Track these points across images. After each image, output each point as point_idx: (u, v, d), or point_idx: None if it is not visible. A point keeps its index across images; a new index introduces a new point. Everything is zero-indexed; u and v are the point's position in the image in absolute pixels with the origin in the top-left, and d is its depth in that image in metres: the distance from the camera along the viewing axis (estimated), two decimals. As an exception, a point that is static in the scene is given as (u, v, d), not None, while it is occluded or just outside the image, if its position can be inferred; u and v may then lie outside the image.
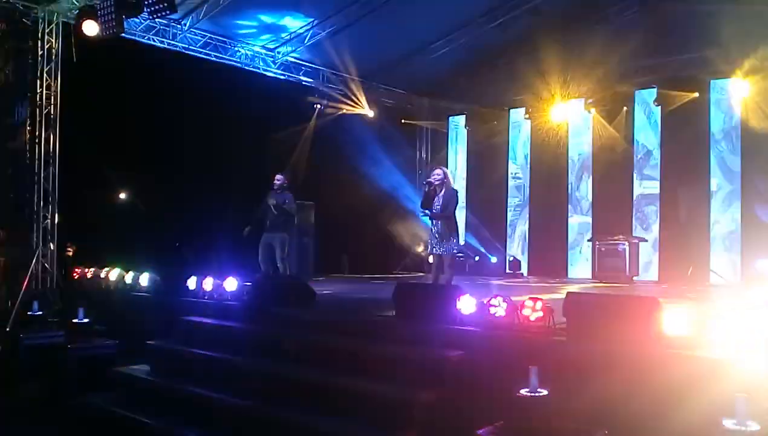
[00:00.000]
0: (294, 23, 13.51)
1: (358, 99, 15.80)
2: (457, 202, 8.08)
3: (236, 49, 13.60)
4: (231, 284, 8.87)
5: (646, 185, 14.68)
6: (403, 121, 17.27)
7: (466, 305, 6.28)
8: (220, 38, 13.23)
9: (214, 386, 6.77)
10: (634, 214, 14.64)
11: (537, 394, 4.58)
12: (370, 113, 16.05)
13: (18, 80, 11.22)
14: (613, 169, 14.94)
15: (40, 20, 11.17)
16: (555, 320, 5.85)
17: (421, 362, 5.87)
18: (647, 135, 14.76)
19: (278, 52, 14.24)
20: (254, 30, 13.43)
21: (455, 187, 8.38)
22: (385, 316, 7.12)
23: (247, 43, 13.75)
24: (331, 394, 5.90)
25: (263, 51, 14.06)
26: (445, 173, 8.18)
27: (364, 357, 6.27)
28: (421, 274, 15.34)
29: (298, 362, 6.76)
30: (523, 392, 4.61)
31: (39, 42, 11.15)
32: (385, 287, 9.58)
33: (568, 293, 5.87)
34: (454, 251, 8.00)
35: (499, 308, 6.18)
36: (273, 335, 7.46)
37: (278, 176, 10.11)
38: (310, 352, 6.80)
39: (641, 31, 12.97)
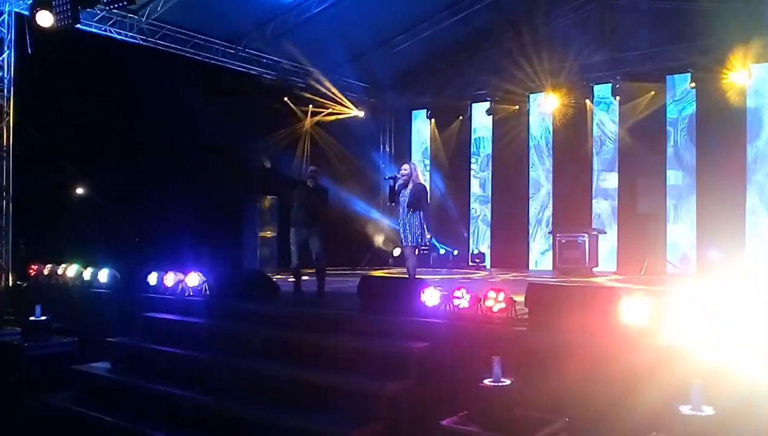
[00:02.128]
0: (254, 15, 13.33)
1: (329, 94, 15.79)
2: (426, 197, 8.24)
3: (195, 41, 13.37)
4: (193, 279, 8.77)
5: (604, 178, 14.99)
6: (362, 115, 17.24)
7: (430, 297, 6.34)
8: (177, 30, 12.97)
9: (177, 382, 6.70)
10: (593, 206, 14.95)
11: (500, 383, 4.66)
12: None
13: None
14: (573, 162, 15.20)
15: (-8, 10, 10.82)
16: (517, 311, 5.95)
17: (386, 353, 5.91)
18: (606, 128, 15.04)
19: (238, 45, 14.05)
20: (213, 21, 13.21)
21: (423, 183, 8.51)
22: (350, 309, 7.13)
23: (206, 36, 13.52)
24: (296, 388, 5.90)
25: (223, 43, 13.86)
26: (412, 169, 8.32)
27: (329, 350, 6.28)
28: (384, 268, 15.37)
29: (263, 356, 6.74)
30: (487, 381, 4.68)
31: (-9, 33, 10.81)
32: (348, 281, 9.60)
33: (530, 284, 5.96)
34: (420, 243, 8.15)
35: (462, 300, 6.26)
36: (236, 331, 7.41)
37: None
38: (274, 346, 6.78)
39: (598, 26, 13.22)
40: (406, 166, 8.34)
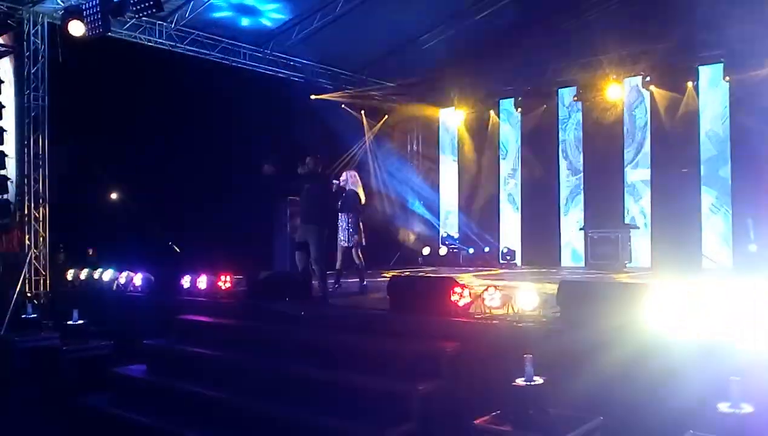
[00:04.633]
0: (280, 18, 13.43)
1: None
2: (359, 201, 9.06)
3: (223, 45, 13.53)
4: (225, 281, 8.87)
5: (638, 173, 14.76)
6: (387, 117, 17.28)
7: (461, 296, 6.31)
8: (206, 35, 13.15)
9: (211, 383, 6.78)
10: (625, 201, 14.72)
11: (533, 382, 4.61)
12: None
13: (4, 83, 11.12)
14: (604, 157, 14.99)
15: (25, 21, 11.06)
16: (549, 309, 5.89)
17: (417, 353, 5.90)
18: (637, 122, 14.81)
19: (265, 49, 14.17)
20: (241, 26, 13.36)
21: (355, 189, 9.23)
22: (380, 309, 7.13)
23: (233, 41, 13.67)
24: (328, 389, 5.92)
25: (250, 47, 13.99)
26: (348, 177, 9.05)
27: (361, 351, 6.29)
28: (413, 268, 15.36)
29: (295, 357, 6.78)
30: (519, 381, 4.64)
31: (25, 43, 11.04)
32: (377, 280, 9.61)
33: (562, 282, 5.90)
34: (352, 244, 9.06)
35: (492, 299, 6.22)
36: (268, 332, 7.47)
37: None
38: (306, 347, 6.81)
39: (627, 20, 12.99)
40: (344, 174, 9.16)
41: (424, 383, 5.46)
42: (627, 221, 14.25)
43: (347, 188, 9.08)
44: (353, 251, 9.24)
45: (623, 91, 14.67)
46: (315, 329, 7.22)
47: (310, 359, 6.58)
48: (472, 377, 5.50)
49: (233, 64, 13.79)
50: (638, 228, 13.90)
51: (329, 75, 15.56)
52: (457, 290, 6.33)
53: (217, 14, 12.68)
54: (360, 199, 9.28)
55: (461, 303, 6.28)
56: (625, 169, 14.85)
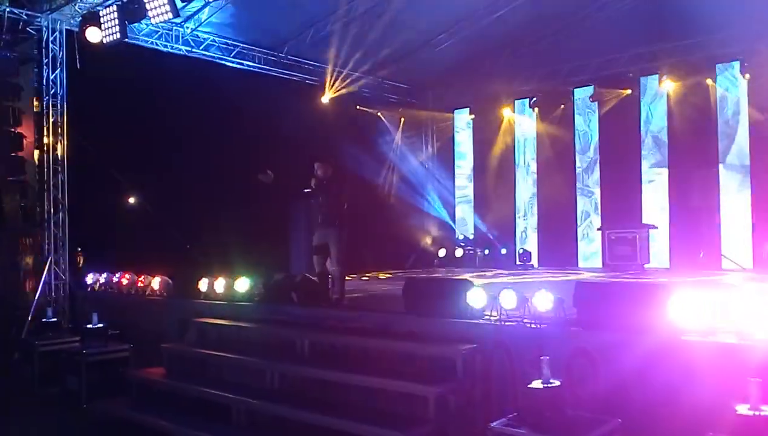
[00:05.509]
0: (294, 21, 13.50)
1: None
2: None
3: (238, 50, 13.63)
4: (242, 284, 8.91)
5: (655, 172, 14.63)
6: (402, 118, 17.30)
7: (476, 298, 6.29)
8: (221, 39, 13.26)
9: (228, 386, 6.83)
10: (642, 201, 14.59)
11: (549, 385, 4.59)
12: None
13: (24, 90, 11.28)
14: (621, 156, 14.88)
15: (44, 28, 11.21)
16: (566, 310, 5.85)
17: (433, 356, 5.89)
18: (655, 120, 14.68)
19: (280, 52, 14.25)
20: (255, 29, 13.44)
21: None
22: (396, 312, 7.13)
23: (249, 45, 13.77)
24: (344, 391, 5.95)
25: (265, 51, 14.08)
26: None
27: (376, 353, 6.30)
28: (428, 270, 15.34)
29: (311, 359, 6.81)
30: (536, 383, 4.62)
31: (43, 50, 11.18)
32: (393, 283, 9.61)
33: (578, 283, 5.87)
34: None
35: (509, 301, 6.19)
36: (285, 335, 7.49)
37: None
38: (322, 349, 6.84)
39: (641, 20, 12.89)
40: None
41: (440, 386, 5.45)
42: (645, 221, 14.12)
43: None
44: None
45: (639, 90, 14.55)
46: (331, 331, 7.23)
47: (326, 362, 6.61)
48: (489, 380, 5.49)
49: (248, 68, 13.87)
50: (656, 228, 13.76)
51: (345, 78, 15.58)
52: (473, 291, 6.32)
53: (232, 20, 12.76)
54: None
55: (477, 305, 6.26)
56: (643, 168, 14.72)
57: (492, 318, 6.15)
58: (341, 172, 8.42)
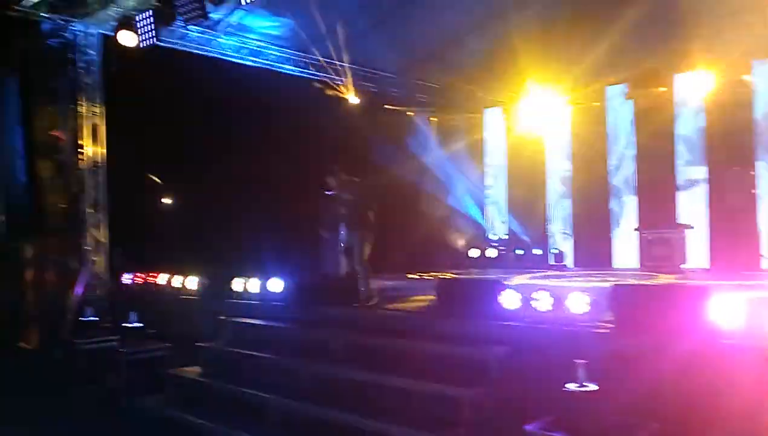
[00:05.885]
0: (325, 22, 13.55)
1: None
2: None
3: (269, 51, 13.75)
4: (275, 284, 8.99)
5: (692, 170, 14.35)
6: (433, 117, 17.27)
7: (509, 299, 6.26)
8: (253, 41, 13.38)
9: (262, 386, 6.91)
10: (678, 201, 14.32)
11: (585, 388, 4.54)
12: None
13: (61, 93, 11.53)
14: (656, 155, 14.63)
15: (80, 33, 11.43)
16: (602, 313, 5.78)
17: (466, 357, 5.88)
18: (690, 119, 14.40)
19: (310, 53, 14.32)
20: (286, 31, 13.52)
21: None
22: (429, 312, 7.13)
23: (280, 46, 13.87)
24: (377, 392, 5.97)
25: (295, 52, 14.17)
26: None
27: (410, 354, 6.31)
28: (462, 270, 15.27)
29: (345, 361, 6.84)
30: (571, 386, 4.58)
31: (79, 55, 11.40)
32: (426, 283, 9.59)
33: (615, 285, 5.79)
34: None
35: (543, 302, 6.14)
36: (318, 334, 7.55)
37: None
38: (355, 350, 6.87)
39: (676, 15, 12.61)
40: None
41: (473, 388, 5.44)
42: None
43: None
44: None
45: (674, 87, 14.28)
46: (363, 331, 7.26)
47: (358, 362, 6.64)
48: (523, 382, 5.45)
49: (279, 69, 13.98)
50: (693, 228, 13.48)
51: (373, 78, 15.62)
52: (506, 293, 6.28)
53: (262, 21, 12.87)
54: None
55: (511, 306, 6.23)
56: (678, 167, 14.45)
57: (526, 320, 6.10)
58: (358, 178, 8.46)
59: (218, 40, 12.83)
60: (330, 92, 15.03)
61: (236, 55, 13.24)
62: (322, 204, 13.94)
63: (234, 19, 12.32)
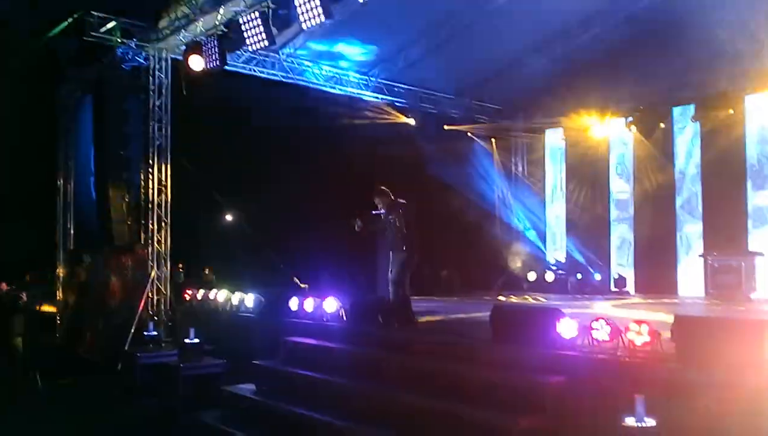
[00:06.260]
0: (386, 46, 13.73)
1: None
2: None
3: (331, 75, 14.00)
4: (331, 304, 9.05)
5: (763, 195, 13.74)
6: (491, 138, 17.19)
7: (567, 328, 6.11)
8: (315, 65, 13.66)
9: (315, 406, 6.93)
10: (749, 227, 13.71)
11: (644, 424, 4.39)
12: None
13: (132, 115, 12.02)
14: (725, 180, 14.08)
15: (151, 58, 11.91)
16: (663, 345, 5.57)
17: (519, 386, 5.75)
18: (761, 141, 13.83)
19: (372, 76, 14.52)
20: (347, 55, 13.77)
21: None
22: (483, 339, 7.03)
23: (342, 69, 14.11)
24: (429, 418, 5.89)
25: (357, 75, 14.38)
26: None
27: (463, 381, 6.22)
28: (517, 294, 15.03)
29: (397, 383, 6.80)
30: (629, 421, 4.43)
31: (150, 78, 11.88)
32: (481, 307, 9.47)
33: (677, 316, 5.58)
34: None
35: (601, 332, 5.97)
36: (372, 356, 7.54)
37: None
38: (408, 374, 6.83)
39: (744, 35, 12.19)
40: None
41: (526, 418, 5.32)
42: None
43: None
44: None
45: (744, 109, 13.76)
46: (417, 355, 7.21)
47: (411, 385, 6.58)
48: (579, 415, 5.29)
49: (340, 91, 14.20)
50: (763, 255, 12.90)
51: (432, 99, 15.70)
52: (563, 321, 6.14)
53: (325, 47, 13.15)
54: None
55: (567, 335, 6.08)
56: (748, 192, 13.87)
57: (583, 349, 5.94)
58: (404, 199, 8.30)
59: (282, 64, 13.16)
60: (391, 114, 15.19)
61: (299, 78, 13.54)
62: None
63: (297, 43, 12.63)
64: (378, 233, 8.45)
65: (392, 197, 8.27)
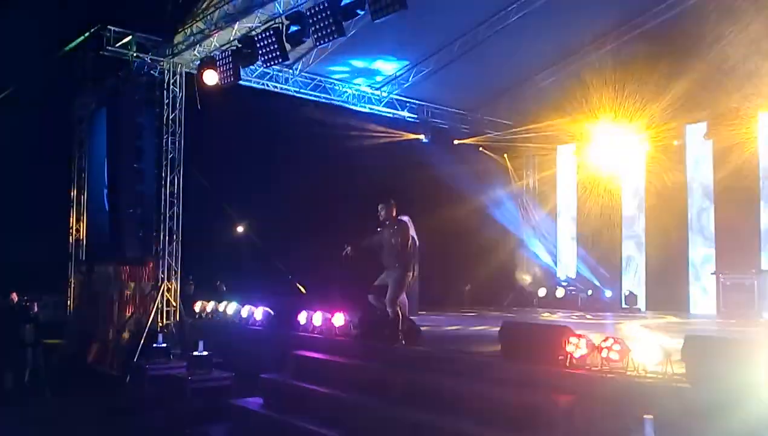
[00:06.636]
0: (398, 63, 13.82)
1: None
2: (415, 248, 8.31)
3: (343, 90, 14.10)
4: (339, 319, 9.04)
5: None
6: (506, 154, 17.19)
7: (576, 346, 6.06)
8: (328, 80, 13.75)
9: (322, 421, 6.91)
10: (761, 245, 13.59)
11: (653, 445, 4.33)
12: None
13: (146, 128, 12.13)
14: (738, 197, 13.98)
15: (166, 72, 12.04)
16: (674, 365, 5.52)
17: (528, 405, 5.71)
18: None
19: (383, 91, 14.60)
20: (358, 70, 13.87)
21: (413, 235, 8.42)
22: (491, 355, 6.99)
23: (354, 84, 14.20)
24: (436, 434, 5.86)
25: (369, 90, 14.47)
26: (405, 220, 8.34)
27: (470, 398, 6.18)
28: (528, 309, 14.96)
29: (404, 399, 6.77)
30: (639, 442, 4.38)
31: (165, 92, 12.00)
32: (491, 322, 9.43)
33: (688, 336, 5.52)
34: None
35: (612, 351, 5.91)
36: (380, 372, 7.51)
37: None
38: (415, 390, 6.80)
39: (758, 54, 12.16)
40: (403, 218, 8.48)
41: (535, 437, 5.28)
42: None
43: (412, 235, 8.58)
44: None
45: (757, 127, 13.69)
46: (424, 371, 7.18)
47: (418, 402, 6.55)
48: (588, 434, 5.24)
49: (352, 106, 14.29)
50: (778, 274, 12.78)
51: (444, 115, 15.75)
52: (573, 339, 6.09)
53: (337, 61, 13.24)
54: (416, 244, 8.70)
55: (577, 354, 6.03)
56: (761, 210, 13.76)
57: (593, 368, 5.89)
58: (402, 218, 8.23)
59: (296, 78, 13.26)
60: (402, 128, 15.26)
61: (312, 93, 13.67)
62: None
63: (310, 59, 12.73)
64: (374, 249, 8.37)
65: (395, 213, 8.29)
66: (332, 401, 7.26)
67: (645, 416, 4.40)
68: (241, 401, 8.24)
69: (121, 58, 11.73)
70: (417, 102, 15.23)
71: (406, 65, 13.93)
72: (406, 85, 14.49)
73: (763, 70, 12.54)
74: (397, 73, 14.19)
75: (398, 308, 7.99)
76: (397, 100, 14.94)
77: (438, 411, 6.16)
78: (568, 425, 5.34)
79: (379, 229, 8.28)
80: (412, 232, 8.67)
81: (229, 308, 11.45)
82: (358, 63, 13.61)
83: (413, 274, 8.15)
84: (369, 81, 14.36)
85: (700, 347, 5.42)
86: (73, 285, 13.99)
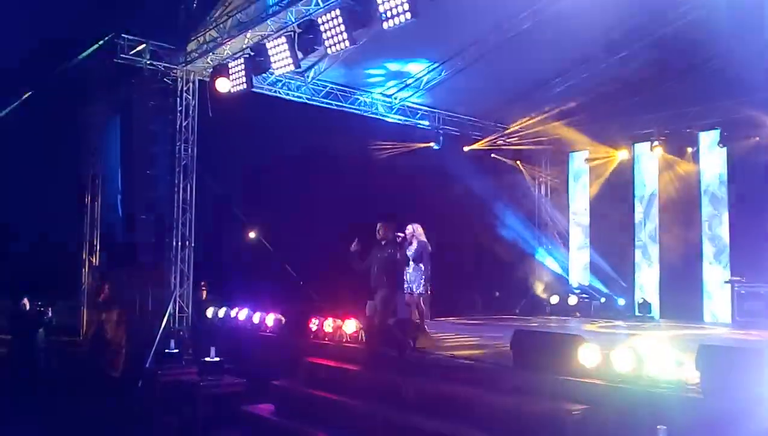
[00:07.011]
0: (410, 69, 13.83)
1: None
2: (428, 252, 9.00)
3: (356, 97, 14.14)
4: (350, 326, 9.05)
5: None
6: (515, 161, 17.16)
7: (589, 355, 6.03)
8: (339, 87, 13.79)
9: (333, 429, 6.92)
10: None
11: (667, 457, 4.30)
12: None
13: (159, 135, 12.22)
14: (753, 205, 13.85)
15: (179, 79, 12.13)
16: (687, 375, 5.47)
17: (540, 414, 5.68)
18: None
19: (395, 98, 14.62)
20: (372, 78, 13.89)
21: (424, 241, 9.07)
22: (503, 364, 6.97)
23: (366, 91, 14.23)
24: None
25: (381, 97, 14.49)
26: (414, 228, 8.98)
27: (481, 407, 6.17)
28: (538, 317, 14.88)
29: (416, 407, 6.76)
30: (652, 453, 4.34)
31: (178, 99, 12.08)
32: (503, 330, 9.39)
33: (701, 345, 5.48)
34: (422, 293, 9.02)
35: (623, 360, 5.87)
36: (391, 380, 7.50)
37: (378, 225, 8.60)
38: (427, 398, 6.78)
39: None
40: (409, 227, 8.99)
41: (547, 447, 5.25)
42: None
43: (419, 240, 9.00)
44: (420, 299, 9.11)
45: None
46: (435, 379, 7.16)
47: (430, 411, 6.53)
48: (601, 445, 5.21)
49: (363, 113, 14.31)
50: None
51: (455, 122, 15.75)
52: (586, 348, 6.06)
53: (349, 69, 13.26)
54: (429, 250, 9.15)
55: (590, 363, 6.00)
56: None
57: (606, 378, 5.85)
58: (397, 239, 8.66)
59: (308, 86, 13.30)
60: (413, 135, 15.26)
61: (324, 100, 13.69)
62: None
63: (322, 66, 12.76)
64: (367, 266, 8.53)
65: (392, 235, 8.53)
66: (344, 408, 7.27)
67: (658, 427, 4.37)
68: (252, 407, 8.26)
69: (135, 65, 11.81)
70: (429, 109, 15.22)
71: (419, 72, 13.92)
72: (417, 93, 14.49)
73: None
74: (412, 80, 14.20)
75: (396, 314, 8.20)
76: (408, 107, 14.95)
77: (450, 419, 6.15)
78: (579, 435, 5.31)
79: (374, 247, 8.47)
80: (423, 238, 8.85)
81: (241, 314, 11.48)
82: (371, 70, 13.63)
83: (425, 278, 8.52)
84: (382, 88, 14.38)
85: (714, 356, 5.38)
86: (86, 291, 14.07)
